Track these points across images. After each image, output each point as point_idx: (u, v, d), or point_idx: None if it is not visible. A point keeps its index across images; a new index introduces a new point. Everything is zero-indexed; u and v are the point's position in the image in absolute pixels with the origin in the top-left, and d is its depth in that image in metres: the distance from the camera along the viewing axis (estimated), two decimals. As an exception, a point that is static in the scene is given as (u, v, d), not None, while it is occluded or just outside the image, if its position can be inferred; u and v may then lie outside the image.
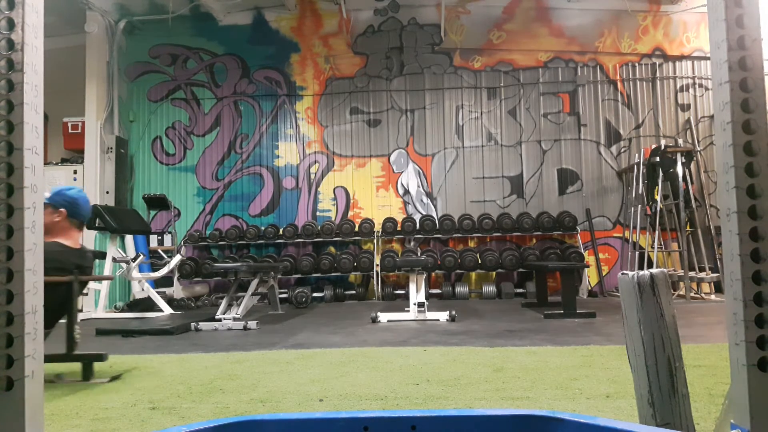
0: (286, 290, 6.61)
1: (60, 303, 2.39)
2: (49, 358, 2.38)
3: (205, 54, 7.58)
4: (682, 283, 6.12)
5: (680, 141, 7.18)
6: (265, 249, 7.22)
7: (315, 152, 7.45)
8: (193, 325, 4.21)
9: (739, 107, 0.90)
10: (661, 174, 6.41)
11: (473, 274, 6.99)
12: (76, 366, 2.47)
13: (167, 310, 5.44)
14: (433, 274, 6.87)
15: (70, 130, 7.01)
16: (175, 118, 7.55)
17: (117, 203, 6.89)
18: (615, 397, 1.84)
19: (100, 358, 2.43)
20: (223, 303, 4.56)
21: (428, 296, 6.30)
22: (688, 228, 6.43)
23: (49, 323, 2.36)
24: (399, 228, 6.94)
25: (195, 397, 1.99)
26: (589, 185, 7.22)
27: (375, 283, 6.83)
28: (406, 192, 7.30)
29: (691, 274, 6.14)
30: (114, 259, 5.50)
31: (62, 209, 2.42)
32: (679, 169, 6.28)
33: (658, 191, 6.46)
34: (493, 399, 1.87)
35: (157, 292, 5.62)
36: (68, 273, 2.34)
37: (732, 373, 0.92)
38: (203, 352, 3.10)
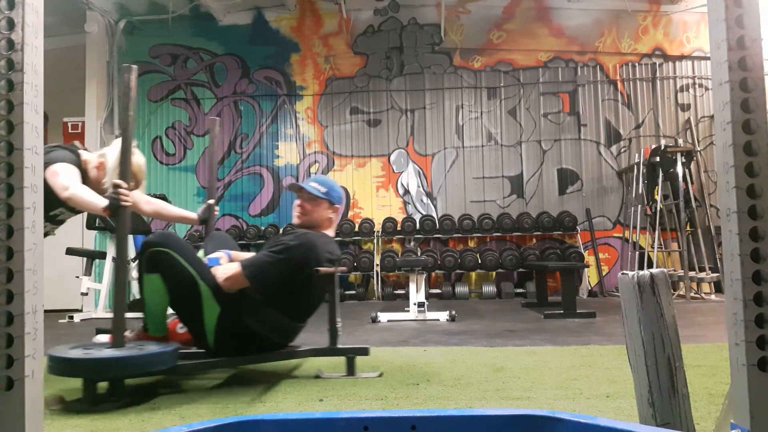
0: (286, 290, 6.60)
1: (322, 295, 2.38)
2: (311, 353, 2.36)
3: (205, 54, 7.58)
4: (682, 283, 6.12)
5: (680, 141, 7.18)
6: (265, 249, 7.21)
7: (315, 152, 7.45)
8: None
9: (739, 107, 0.90)
10: (661, 174, 6.41)
11: (473, 274, 6.99)
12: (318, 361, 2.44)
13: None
14: (433, 274, 6.87)
15: (70, 130, 7.01)
16: (175, 118, 7.55)
17: (117, 203, 6.89)
18: (615, 397, 1.84)
19: (364, 351, 2.36)
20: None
21: (428, 296, 6.30)
22: (688, 228, 6.43)
23: (307, 316, 2.34)
24: (399, 228, 6.94)
25: (195, 397, 1.99)
26: (589, 185, 7.22)
27: (375, 283, 6.83)
28: (406, 192, 7.31)
29: (691, 274, 6.14)
30: (114, 259, 5.49)
31: (338, 206, 2.42)
32: (679, 169, 6.28)
33: (658, 191, 6.46)
34: (493, 399, 1.87)
35: (157, 292, 5.62)
36: (335, 264, 2.32)
37: (732, 373, 0.92)
38: (203, 352, 3.10)
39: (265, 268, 2.12)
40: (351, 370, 2.30)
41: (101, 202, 2.13)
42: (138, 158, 2.41)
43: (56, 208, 2.41)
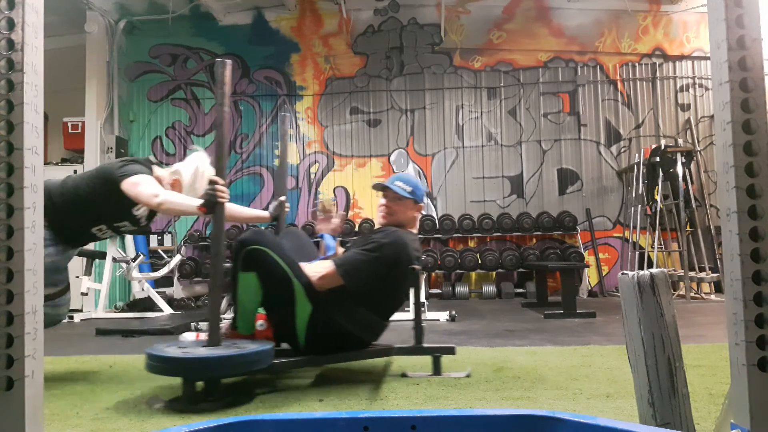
0: (286, 290, 6.60)
1: (407, 293, 2.37)
2: (397, 351, 2.34)
3: (205, 54, 7.58)
4: (682, 283, 6.12)
5: (680, 141, 7.18)
6: (265, 249, 7.21)
7: (315, 152, 7.45)
8: (193, 324, 4.20)
9: (739, 107, 0.90)
10: (661, 174, 6.41)
11: (473, 274, 6.99)
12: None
13: (167, 310, 5.44)
14: (433, 274, 6.87)
15: (70, 130, 7.01)
16: (175, 118, 7.55)
17: (117, 203, 6.88)
18: (615, 397, 1.84)
19: (450, 351, 2.33)
20: (224, 303, 4.55)
21: (428, 296, 6.30)
22: (688, 228, 6.43)
23: (393, 313, 2.33)
24: (399, 228, 6.93)
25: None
26: (589, 185, 7.22)
27: (375, 283, 6.82)
28: (406, 192, 7.29)
29: (691, 274, 6.14)
30: (114, 259, 5.50)
31: (422, 204, 2.42)
32: (679, 169, 6.28)
33: (658, 191, 6.46)
34: (493, 399, 1.87)
35: (157, 292, 5.62)
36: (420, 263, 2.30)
37: (732, 373, 0.92)
38: (203, 352, 3.10)
39: (359, 266, 2.12)
40: (437, 369, 2.26)
41: (195, 201, 2.13)
42: (209, 166, 2.43)
43: (123, 220, 2.40)
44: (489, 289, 6.75)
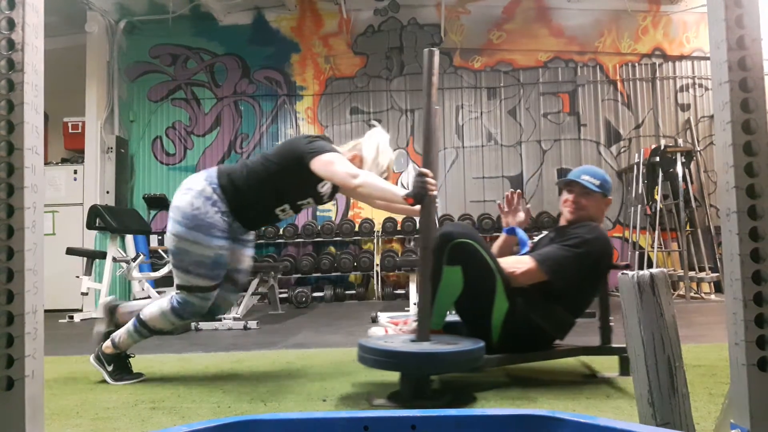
0: (286, 290, 6.61)
1: (599, 291, 2.27)
2: (583, 351, 2.26)
3: (206, 54, 7.58)
4: (682, 283, 6.12)
5: (680, 141, 7.18)
6: (265, 249, 7.22)
7: (315, 152, 7.44)
8: (193, 324, 4.20)
9: (739, 107, 0.90)
10: (661, 174, 6.41)
11: (473, 274, 6.98)
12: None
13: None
14: (433, 274, 6.85)
15: (70, 130, 7.01)
16: (175, 118, 7.55)
17: (117, 203, 6.89)
18: (615, 397, 1.84)
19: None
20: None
21: (428, 296, 6.29)
22: (688, 228, 6.43)
23: (583, 312, 2.22)
24: (399, 228, 6.94)
25: (195, 397, 1.99)
26: (589, 185, 7.21)
27: (375, 282, 6.83)
28: (406, 192, 7.30)
29: (691, 274, 6.14)
30: (114, 259, 5.50)
31: (611, 197, 2.34)
32: (679, 169, 6.28)
33: (658, 191, 6.45)
34: (493, 399, 1.87)
35: (158, 292, 5.62)
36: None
37: (732, 373, 0.92)
38: (203, 352, 3.11)
39: (563, 262, 2.04)
40: (626, 369, 2.15)
41: (398, 189, 2.08)
42: (390, 153, 2.39)
43: (307, 197, 2.31)
44: (489, 289, 6.74)
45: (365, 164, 2.28)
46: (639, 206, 6.70)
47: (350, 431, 0.88)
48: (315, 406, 1.84)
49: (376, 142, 2.36)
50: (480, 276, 2.01)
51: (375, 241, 7.00)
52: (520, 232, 2.43)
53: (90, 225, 5.55)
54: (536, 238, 2.47)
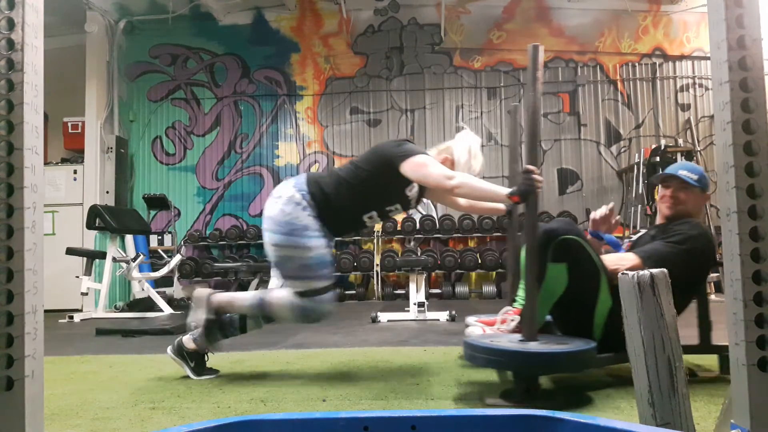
0: (286, 290, 6.61)
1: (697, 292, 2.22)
2: (683, 350, 2.27)
3: (205, 54, 7.58)
4: (682, 283, 6.11)
5: (680, 141, 7.18)
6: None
7: (315, 152, 7.45)
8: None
9: (739, 107, 0.90)
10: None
11: (473, 274, 6.99)
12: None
13: (167, 309, 5.44)
14: (433, 274, 6.87)
15: (70, 130, 7.01)
16: (175, 118, 7.55)
17: (117, 203, 6.89)
18: (615, 397, 1.84)
19: None
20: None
21: (428, 296, 6.30)
22: (688, 228, 6.42)
23: (683, 309, 2.17)
24: (399, 228, 6.94)
25: (195, 397, 1.99)
26: (589, 185, 7.22)
27: (375, 282, 6.83)
28: (406, 192, 7.30)
29: (691, 274, 6.14)
30: (114, 259, 5.50)
31: (709, 192, 2.29)
32: (679, 169, 6.27)
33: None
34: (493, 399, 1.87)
35: (157, 292, 5.63)
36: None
37: (732, 373, 0.92)
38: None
39: (668, 258, 1.97)
40: (726, 368, 2.10)
41: (499, 188, 2.04)
42: (481, 157, 2.34)
43: (395, 203, 2.27)
44: (489, 289, 6.75)
45: (457, 167, 2.25)
46: (639, 206, 6.70)
47: (350, 431, 0.88)
48: (315, 406, 1.84)
49: (468, 145, 2.32)
50: (585, 273, 1.97)
51: (375, 241, 7.00)
52: (608, 236, 2.38)
53: (90, 225, 5.56)
54: (634, 237, 2.44)
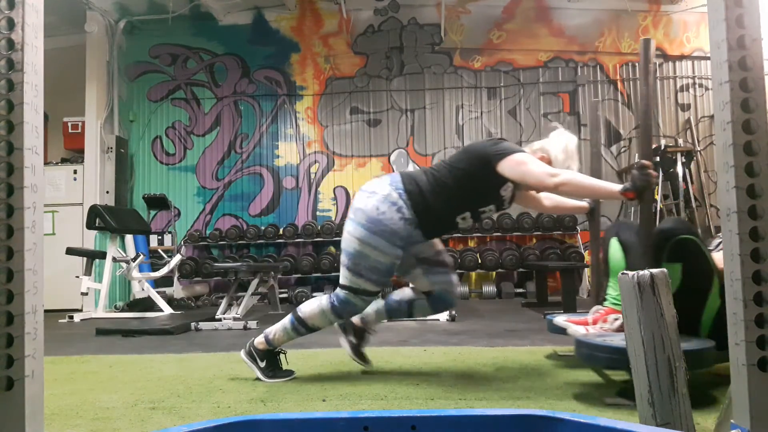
0: (286, 290, 6.61)
1: None
2: None
3: (205, 54, 7.58)
4: (682, 283, 6.11)
5: (680, 141, 7.18)
6: (265, 249, 7.22)
7: (315, 152, 7.45)
8: (193, 324, 4.20)
9: (739, 107, 0.90)
10: (661, 174, 6.41)
11: (473, 274, 6.99)
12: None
13: (167, 309, 5.44)
14: (433, 274, 6.85)
15: (70, 130, 7.01)
16: (175, 118, 7.55)
17: (117, 203, 6.89)
18: (615, 397, 1.84)
19: None
20: (223, 303, 4.56)
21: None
22: (688, 228, 6.42)
23: None
24: (399, 228, 6.92)
25: (195, 397, 1.99)
26: (589, 185, 7.20)
27: (375, 283, 6.82)
28: (406, 192, 7.29)
29: (691, 274, 6.13)
30: (114, 259, 5.50)
31: None
32: (679, 169, 6.28)
33: (658, 191, 6.45)
34: (493, 399, 1.87)
35: (157, 292, 5.63)
36: None
37: (732, 373, 0.92)
38: (203, 352, 3.11)
39: None
40: None
41: (609, 184, 2.01)
42: (577, 157, 2.30)
43: (489, 203, 2.22)
44: (489, 289, 6.75)
45: (555, 164, 2.21)
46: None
47: (350, 431, 0.88)
48: (315, 406, 1.84)
49: (564, 143, 2.27)
50: (699, 274, 1.95)
51: (375, 241, 6.99)
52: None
53: (90, 225, 5.56)
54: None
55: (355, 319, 2.35)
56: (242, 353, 2.32)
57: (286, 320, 2.27)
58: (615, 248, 2.32)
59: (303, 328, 2.25)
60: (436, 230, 2.27)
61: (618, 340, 1.83)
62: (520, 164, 2.06)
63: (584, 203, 2.57)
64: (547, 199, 2.49)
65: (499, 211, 2.32)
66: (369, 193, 2.17)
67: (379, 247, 2.10)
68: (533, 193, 2.41)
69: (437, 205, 2.15)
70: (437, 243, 2.37)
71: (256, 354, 2.28)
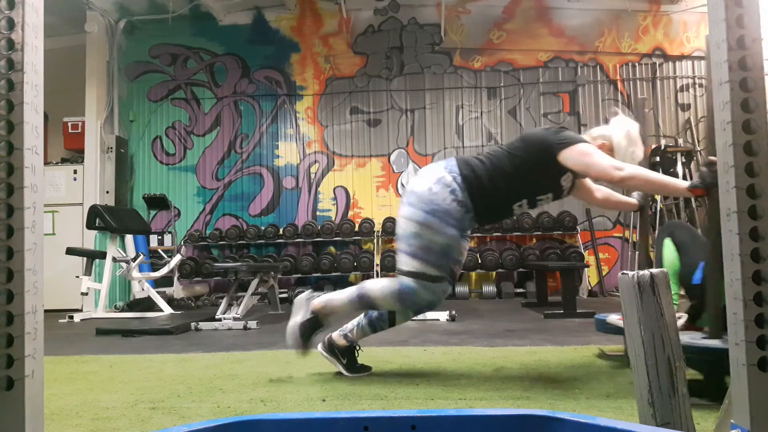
0: (286, 290, 6.61)
1: None
2: None
3: (205, 54, 7.58)
4: (682, 283, 6.11)
5: (680, 141, 7.18)
6: (265, 249, 7.22)
7: (315, 152, 7.45)
8: (193, 324, 4.21)
9: (739, 107, 0.90)
10: (661, 174, 6.42)
11: (473, 274, 6.99)
12: None
13: (167, 309, 5.44)
14: (433, 274, 6.85)
15: (70, 130, 7.01)
16: (175, 117, 7.55)
17: (117, 203, 6.90)
18: (615, 397, 1.84)
19: None
20: (223, 303, 4.56)
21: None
22: (688, 228, 6.43)
23: None
24: (399, 228, 6.92)
25: (195, 397, 1.99)
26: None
27: (375, 283, 6.82)
28: (406, 192, 7.30)
29: (691, 274, 6.14)
30: (114, 259, 5.50)
31: None
32: (679, 168, 6.28)
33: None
34: (493, 399, 1.87)
35: (157, 292, 5.63)
36: None
37: (732, 373, 0.92)
38: (203, 352, 3.11)
39: None
40: None
41: (676, 180, 1.96)
42: (641, 144, 2.23)
43: (548, 192, 2.19)
44: (489, 289, 6.75)
45: (617, 155, 2.15)
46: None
47: (350, 431, 0.88)
48: (315, 406, 1.84)
49: (626, 130, 2.22)
50: None
51: (375, 241, 7.00)
52: None
53: (90, 225, 5.56)
54: None
55: (340, 340, 2.33)
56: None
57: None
58: (669, 248, 2.29)
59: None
60: (490, 216, 2.25)
61: (698, 340, 1.82)
62: (584, 155, 2.02)
63: (633, 200, 2.51)
64: (599, 191, 2.45)
65: (557, 199, 2.29)
66: (423, 177, 2.16)
67: (431, 225, 2.06)
68: (588, 183, 2.37)
69: (494, 191, 2.12)
70: (465, 252, 2.29)
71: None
